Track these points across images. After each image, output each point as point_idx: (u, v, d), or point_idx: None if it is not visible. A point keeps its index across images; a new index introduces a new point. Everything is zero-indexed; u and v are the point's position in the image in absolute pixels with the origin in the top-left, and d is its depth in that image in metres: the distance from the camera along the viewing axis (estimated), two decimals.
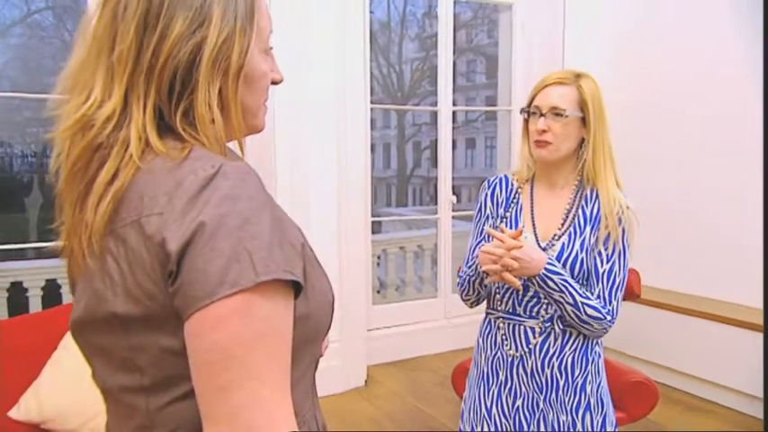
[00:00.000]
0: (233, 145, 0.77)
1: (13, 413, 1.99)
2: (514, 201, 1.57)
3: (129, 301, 0.64)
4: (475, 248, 1.58)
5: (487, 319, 1.61)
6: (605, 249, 1.46)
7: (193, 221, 0.60)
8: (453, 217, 4.11)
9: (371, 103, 3.67)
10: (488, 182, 1.64)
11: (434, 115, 4.07)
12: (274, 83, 0.77)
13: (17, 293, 3.54)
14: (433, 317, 3.97)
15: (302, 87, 3.14)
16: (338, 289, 3.44)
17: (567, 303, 1.41)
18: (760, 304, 3.08)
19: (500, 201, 1.59)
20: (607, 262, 1.46)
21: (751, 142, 3.16)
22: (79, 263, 0.70)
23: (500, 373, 1.54)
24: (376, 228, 4.20)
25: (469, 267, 1.55)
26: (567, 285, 1.40)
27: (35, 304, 3.55)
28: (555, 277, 1.39)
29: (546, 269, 1.39)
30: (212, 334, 0.60)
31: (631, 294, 2.82)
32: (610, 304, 1.45)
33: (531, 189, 1.56)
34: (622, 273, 1.47)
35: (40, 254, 3.97)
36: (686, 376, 3.35)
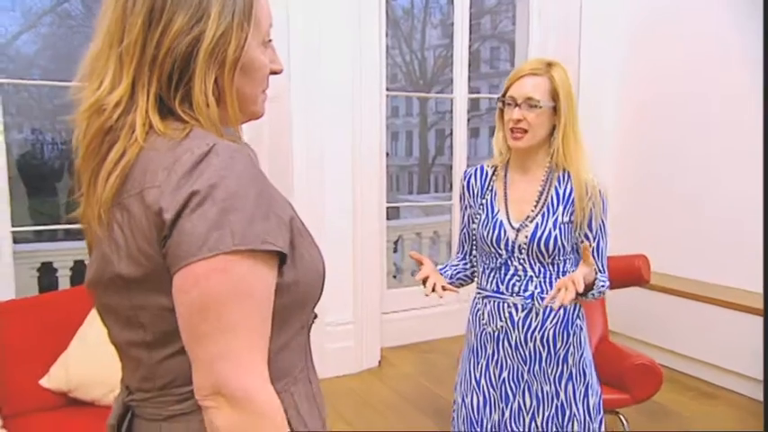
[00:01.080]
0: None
1: (44, 382, 2.12)
2: (489, 188, 1.67)
3: (132, 264, 0.73)
4: (460, 235, 1.77)
5: (476, 299, 1.72)
6: (590, 230, 1.59)
7: (186, 191, 0.69)
8: None
9: (392, 90, 3.72)
10: (465, 174, 1.75)
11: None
12: (274, 73, 0.84)
13: (48, 273, 3.71)
14: (446, 301, 4.01)
15: (318, 75, 3.20)
16: (353, 272, 3.53)
17: (598, 291, 1.55)
18: (760, 288, 3.10)
19: (476, 191, 1.70)
20: (593, 240, 1.59)
21: (755, 131, 3.14)
22: (91, 230, 0.79)
23: (487, 347, 1.65)
24: (394, 214, 4.27)
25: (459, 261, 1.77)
26: (598, 288, 1.54)
27: (64, 284, 3.71)
28: (593, 291, 1.54)
29: (594, 290, 1.53)
30: (193, 289, 0.68)
31: (640, 280, 2.85)
32: (605, 273, 1.61)
33: (505, 175, 1.66)
34: (607, 243, 1.62)
35: (69, 235, 4.13)
36: (692, 360, 3.38)
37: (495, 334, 1.63)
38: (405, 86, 17.53)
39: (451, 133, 4.23)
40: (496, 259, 1.62)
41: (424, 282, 1.55)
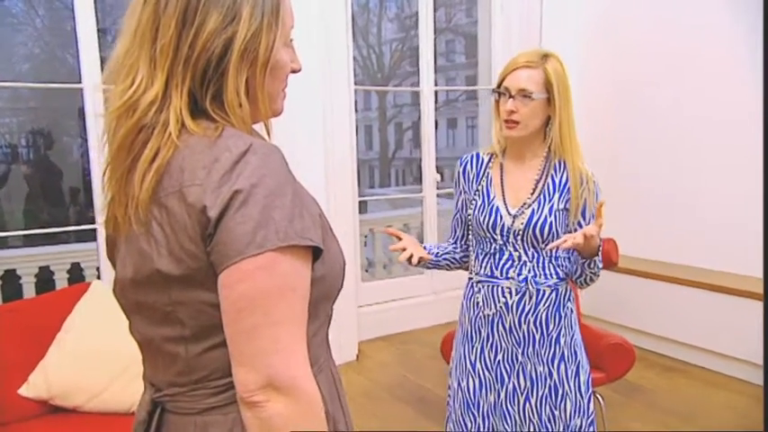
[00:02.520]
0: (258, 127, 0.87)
1: (23, 390, 2.06)
2: (485, 175, 1.71)
3: (172, 261, 0.74)
4: (453, 221, 1.80)
5: (470, 283, 1.75)
6: (584, 219, 1.65)
7: (229, 191, 0.71)
8: (438, 195, 4.21)
9: (356, 84, 3.73)
10: (461, 160, 1.78)
11: (416, 96, 4.15)
12: (294, 71, 0.87)
13: (11, 281, 3.59)
14: (420, 292, 4.09)
15: None
16: None
17: (596, 267, 1.61)
18: (732, 268, 3.25)
19: (472, 177, 1.74)
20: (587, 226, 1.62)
21: (719, 116, 3.30)
22: (122, 229, 0.79)
23: (482, 331, 1.69)
24: (362, 208, 4.28)
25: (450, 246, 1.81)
26: (599, 267, 1.62)
27: (29, 291, 3.59)
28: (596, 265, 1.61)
29: (597, 261, 1.60)
30: (240, 285, 0.70)
31: (609, 263, 2.96)
32: (599, 258, 1.67)
33: (502, 162, 1.71)
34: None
35: (29, 241, 3.99)
36: (657, 338, 3.53)
37: (490, 317, 1.67)
38: (363, 80, 17.51)
39: (411, 126, 4.28)
40: (491, 244, 1.66)
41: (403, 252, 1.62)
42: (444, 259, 1.80)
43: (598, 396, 2.70)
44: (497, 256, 1.66)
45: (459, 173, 1.77)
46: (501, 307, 1.65)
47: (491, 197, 1.67)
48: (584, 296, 3.08)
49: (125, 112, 0.77)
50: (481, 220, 1.65)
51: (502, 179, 1.69)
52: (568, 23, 4.01)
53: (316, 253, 0.77)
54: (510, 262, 1.64)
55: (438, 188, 4.18)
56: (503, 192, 1.67)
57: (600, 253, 1.60)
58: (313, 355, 0.83)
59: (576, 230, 1.61)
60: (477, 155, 1.76)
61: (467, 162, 1.76)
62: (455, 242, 1.81)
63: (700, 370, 3.33)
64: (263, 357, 0.70)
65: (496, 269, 1.66)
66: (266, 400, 0.70)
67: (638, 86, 3.76)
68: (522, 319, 1.64)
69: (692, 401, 2.99)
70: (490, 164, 1.72)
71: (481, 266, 1.69)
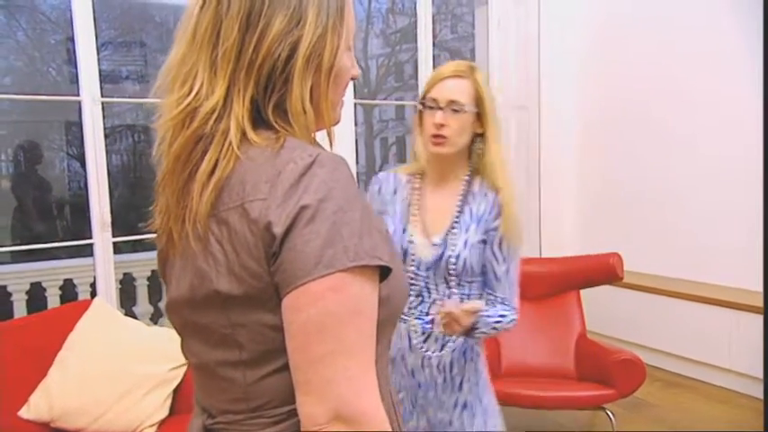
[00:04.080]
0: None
1: (23, 412, 1.98)
2: (400, 198, 1.52)
3: (233, 280, 0.69)
4: None
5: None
6: (500, 251, 1.46)
7: (295, 206, 0.66)
8: None
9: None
10: (376, 178, 1.57)
11: (401, 111, 4.16)
12: (352, 78, 0.82)
13: (1, 298, 3.48)
14: None
15: None
16: None
17: (492, 332, 1.44)
18: (729, 282, 3.27)
19: (387, 198, 1.53)
20: (504, 262, 1.46)
21: (719, 128, 3.33)
22: (177, 245, 0.74)
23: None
24: None
25: None
26: (489, 325, 1.41)
27: (20, 309, 3.49)
28: (480, 330, 1.41)
29: (475, 331, 1.40)
30: (309, 308, 0.65)
31: (615, 278, 2.96)
32: (514, 301, 1.48)
33: (421, 184, 1.53)
34: (517, 269, 1.49)
35: (19, 256, 3.89)
36: (664, 354, 3.52)
37: (392, 356, 1.47)
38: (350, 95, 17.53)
39: (396, 142, 4.28)
40: None
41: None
42: None
43: (608, 412, 2.69)
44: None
45: (373, 192, 1.54)
46: (405, 346, 1.48)
47: (404, 223, 1.47)
48: (589, 311, 3.07)
49: (182, 120, 0.72)
50: None
51: (419, 204, 1.49)
52: (566, 39, 4.05)
53: (383, 272, 0.71)
54: (419, 298, 1.47)
55: None
56: (417, 218, 1.48)
57: (500, 314, 1.43)
58: (377, 377, 0.79)
59: (492, 264, 1.45)
60: (395, 174, 1.54)
61: (381, 182, 1.54)
62: None
63: (702, 384, 3.32)
64: (332, 387, 0.64)
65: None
66: None
67: (637, 103, 3.80)
68: (425, 361, 1.48)
69: (695, 417, 2.98)
70: (408, 185, 1.52)
71: None
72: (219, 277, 0.70)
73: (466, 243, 1.44)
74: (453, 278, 1.44)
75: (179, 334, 0.81)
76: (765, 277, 2.59)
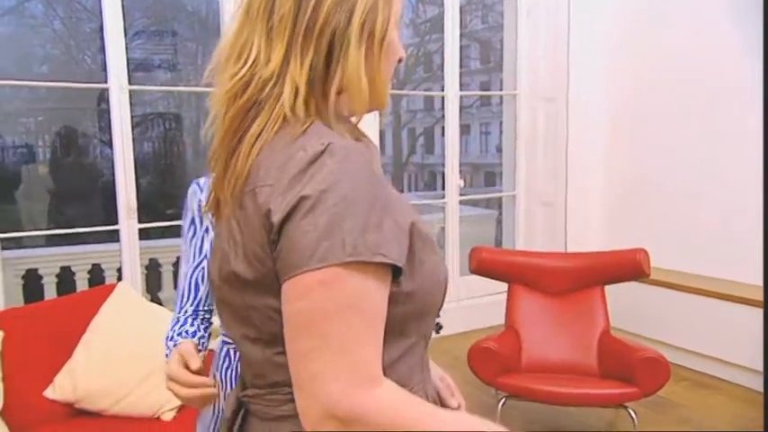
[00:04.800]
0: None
1: (49, 393, 2.03)
2: None
3: (246, 264, 0.70)
4: (193, 274, 1.22)
5: (224, 350, 1.28)
6: None
7: (296, 195, 0.65)
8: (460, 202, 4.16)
9: None
10: (196, 185, 1.26)
11: (430, 101, 4.11)
12: (399, 61, 0.81)
13: (33, 281, 3.57)
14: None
15: None
16: None
17: None
18: (759, 281, 3.17)
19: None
20: None
21: (751, 121, 3.22)
22: (223, 212, 0.76)
23: None
24: None
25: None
26: None
27: (50, 291, 3.58)
28: None
29: None
30: (298, 302, 0.64)
31: (641, 274, 2.89)
32: None
33: None
34: None
35: (51, 241, 3.99)
36: (691, 353, 3.44)
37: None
38: None
39: (423, 132, 4.24)
40: None
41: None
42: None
43: (630, 411, 2.64)
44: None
45: (193, 206, 1.24)
46: None
47: None
48: (613, 308, 3.01)
49: (236, 93, 0.72)
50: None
51: None
52: (596, 29, 3.96)
53: (400, 269, 0.68)
54: None
55: (461, 194, 4.13)
56: None
57: None
58: (403, 376, 0.76)
59: None
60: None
61: (203, 190, 1.24)
62: (195, 310, 1.22)
63: (728, 384, 3.24)
64: (320, 384, 0.62)
65: None
66: None
67: (667, 95, 3.70)
68: None
69: (721, 417, 2.91)
70: None
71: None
72: (237, 259, 0.71)
73: None
74: None
75: (216, 307, 0.83)
76: (766, 274, 2.53)
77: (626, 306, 3.50)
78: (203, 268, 1.21)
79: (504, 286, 3.11)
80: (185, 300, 1.22)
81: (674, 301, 3.49)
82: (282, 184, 0.66)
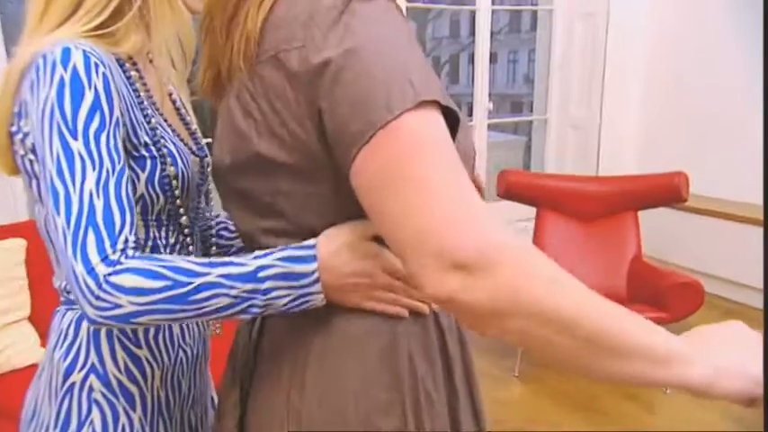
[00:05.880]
0: None
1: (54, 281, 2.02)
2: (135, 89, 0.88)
3: (274, 143, 0.62)
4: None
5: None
6: None
7: (338, 48, 0.56)
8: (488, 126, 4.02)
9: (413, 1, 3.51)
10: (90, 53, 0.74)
11: (456, 28, 3.89)
12: None
13: None
14: None
15: None
16: None
17: None
18: None
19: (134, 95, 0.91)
20: None
21: None
22: (220, 99, 0.68)
23: None
24: None
25: None
26: None
27: None
28: None
29: None
30: (376, 163, 0.54)
31: (679, 198, 2.78)
32: None
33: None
34: None
35: None
36: (725, 282, 3.35)
37: None
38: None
39: (449, 60, 4.03)
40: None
41: None
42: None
43: None
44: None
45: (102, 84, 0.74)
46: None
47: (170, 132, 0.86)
48: (645, 235, 2.91)
49: None
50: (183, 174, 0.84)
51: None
52: None
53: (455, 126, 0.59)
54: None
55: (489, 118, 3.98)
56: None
57: None
58: None
59: None
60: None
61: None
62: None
63: (760, 313, 3.17)
64: (429, 236, 0.51)
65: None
66: (457, 289, 0.51)
67: (716, 12, 3.43)
68: None
69: None
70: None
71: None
72: (260, 139, 0.63)
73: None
74: None
75: (222, 201, 0.76)
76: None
77: (660, 233, 3.40)
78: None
79: (533, 212, 3.02)
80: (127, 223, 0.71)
81: (710, 229, 3.37)
82: (316, 41, 0.57)
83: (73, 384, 0.78)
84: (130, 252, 0.64)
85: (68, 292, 0.81)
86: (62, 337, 0.80)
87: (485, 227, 0.52)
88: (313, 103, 0.58)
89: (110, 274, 0.62)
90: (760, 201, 3.30)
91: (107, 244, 0.63)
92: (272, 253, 0.65)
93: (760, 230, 3.15)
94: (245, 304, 0.64)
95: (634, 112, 3.92)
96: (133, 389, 0.79)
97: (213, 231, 0.94)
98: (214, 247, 0.94)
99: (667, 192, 2.79)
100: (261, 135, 0.62)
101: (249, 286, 0.64)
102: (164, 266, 0.63)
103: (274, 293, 0.65)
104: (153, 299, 0.61)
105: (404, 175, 0.53)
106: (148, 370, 0.81)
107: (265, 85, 0.61)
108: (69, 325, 0.79)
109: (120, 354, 0.79)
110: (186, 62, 0.89)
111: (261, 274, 0.64)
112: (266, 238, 0.68)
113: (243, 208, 0.70)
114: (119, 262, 0.63)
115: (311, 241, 0.66)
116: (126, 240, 0.65)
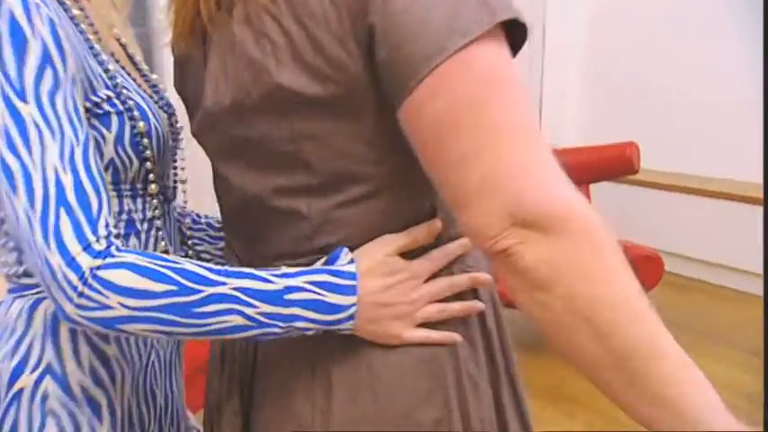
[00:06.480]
0: None
1: None
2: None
3: (303, 73, 0.52)
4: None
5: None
6: None
7: None
8: None
9: None
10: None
11: None
12: None
13: None
14: None
15: None
16: None
17: None
18: (755, 178, 2.97)
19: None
20: None
21: (736, 20, 2.93)
22: (208, 37, 0.58)
23: None
24: None
25: None
26: None
27: None
28: None
29: None
30: (435, 101, 0.49)
31: (630, 170, 2.66)
32: None
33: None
34: None
35: None
36: (679, 257, 3.26)
37: None
38: None
39: None
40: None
41: None
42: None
43: None
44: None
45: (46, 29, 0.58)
46: None
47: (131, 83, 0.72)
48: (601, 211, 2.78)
49: None
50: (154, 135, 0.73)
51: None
52: None
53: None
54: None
55: None
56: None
57: None
58: None
59: None
60: None
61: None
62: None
63: (716, 288, 3.12)
64: (500, 184, 0.48)
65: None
66: (518, 242, 0.48)
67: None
68: None
69: (707, 319, 2.80)
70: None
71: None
72: (283, 68, 0.53)
73: None
74: None
75: (213, 161, 0.64)
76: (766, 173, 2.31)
77: (612, 210, 3.27)
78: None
79: None
80: (104, 203, 0.58)
81: (663, 203, 3.31)
82: None
83: (21, 390, 0.64)
84: (117, 241, 0.54)
85: (19, 277, 0.66)
86: (8, 330, 0.66)
87: (557, 181, 0.49)
88: (361, 18, 0.50)
89: (98, 268, 0.52)
90: (707, 173, 3.26)
91: (86, 229, 0.53)
92: (302, 273, 0.56)
93: (712, 203, 3.10)
94: (261, 330, 0.55)
95: (575, 81, 3.84)
96: (99, 396, 0.65)
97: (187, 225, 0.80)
98: (191, 241, 0.79)
99: (619, 163, 2.67)
100: (282, 64, 0.53)
101: (271, 308, 0.54)
102: (168, 267, 0.54)
103: (297, 323, 0.55)
104: (150, 304, 0.52)
105: (477, 116, 0.48)
106: (118, 373, 0.67)
107: (291, 4, 0.51)
108: (18, 315, 0.65)
109: (84, 351, 0.65)
110: None
111: (288, 296, 0.55)
112: (279, 199, 0.58)
113: (248, 163, 0.59)
114: (109, 253, 0.53)
115: (351, 267, 0.57)
116: (107, 225, 0.55)
